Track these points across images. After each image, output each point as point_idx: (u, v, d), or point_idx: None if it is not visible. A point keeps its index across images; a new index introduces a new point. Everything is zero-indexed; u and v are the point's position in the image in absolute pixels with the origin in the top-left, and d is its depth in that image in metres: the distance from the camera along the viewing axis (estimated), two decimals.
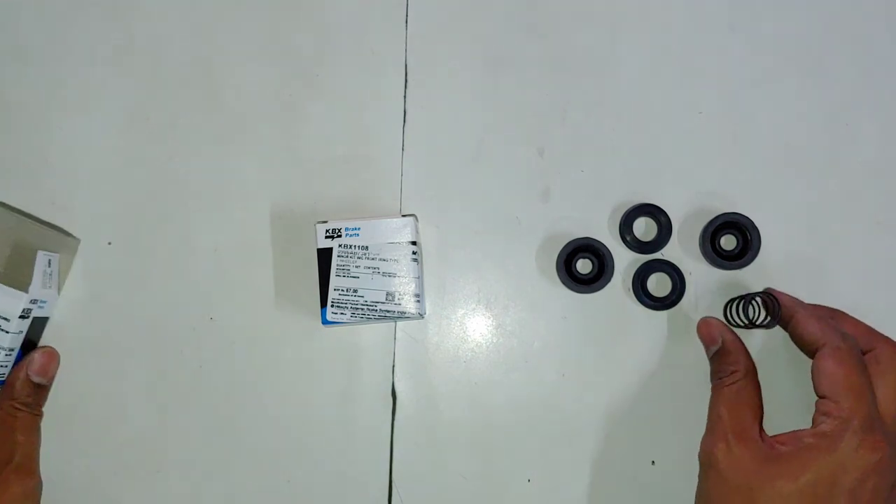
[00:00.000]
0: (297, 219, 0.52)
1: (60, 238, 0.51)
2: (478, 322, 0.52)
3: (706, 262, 0.51)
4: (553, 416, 0.51)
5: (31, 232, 0.49)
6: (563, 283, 0.51)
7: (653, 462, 0.51)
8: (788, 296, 0.48)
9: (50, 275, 0.50)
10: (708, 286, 0.51)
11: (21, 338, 0.48)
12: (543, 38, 0.53)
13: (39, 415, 0.49)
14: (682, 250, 0.52)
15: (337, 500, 0.51)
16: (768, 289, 0.49)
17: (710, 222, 0.50)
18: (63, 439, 0.51)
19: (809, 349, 0.45)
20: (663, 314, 0.51)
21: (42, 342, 0.51)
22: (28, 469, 0.47)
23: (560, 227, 0.52)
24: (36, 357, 0.49)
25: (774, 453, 0.41)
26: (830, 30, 0.53)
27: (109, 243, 0.52)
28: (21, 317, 0.47)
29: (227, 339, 0.51)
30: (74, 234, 0.52)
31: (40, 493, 0.48)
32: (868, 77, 0.53)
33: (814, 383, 0.43)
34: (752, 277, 0.51)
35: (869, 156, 0.52)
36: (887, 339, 0.45)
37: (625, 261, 0.52)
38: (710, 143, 0.52)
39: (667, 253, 0.52)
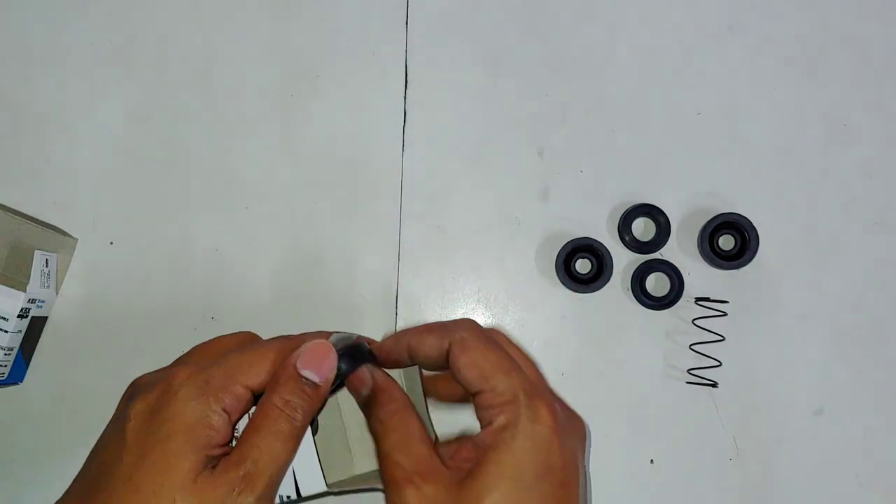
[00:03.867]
0: (297, 219, 0.52)
1: (58, 238, 0.51)
2: (478, 322, 0.52)
3: (705, 262, 0.52)
4: None
5: (29, 232, 0.49)
6: (563, 282, 0.51)
7: (651, 461, 0.51)
8: (390, 339, 0.41)
9: (48, 274, 0.50)
10: (706, 286, 0.52)
11: (20, 337, 0.48)
12: (543, 38, 0.54)
13: (298, 423, 0.37)
14: (681, 250, 0.52)
15: (337, 498, 0.51)
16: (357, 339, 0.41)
17: (709, 222, 0.51)
18: (63, 439, 0.51)
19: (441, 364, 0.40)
20: (662, 314, 0.51)
21: (42, 342, 0.51)
22: (249, 481, 0.35)
23: (559, 227, 0.52)
24: (311, 346, 0.38)
25: (464, 475, 0.37)
26: (829, 31, 0.54)
27: (111, 243, 0.52)
28: (20, 316, 0.47)
29: None
30: (75, 234, 0.52)
31: None
32: (866, 77, 0.53)
33: (463, 384, 0.38)
34: (751, 277, 0.51)
35: (867, 156, 0.53)
36: (458, 322, 0.41)
37: (624, 261, 0.52)
38: (708, 143, 0.53)
39: (665, 253, 0.52)
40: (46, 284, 0.49)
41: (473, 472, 0.36)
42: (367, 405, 0.40)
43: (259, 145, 0.53)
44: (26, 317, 0.48)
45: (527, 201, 0.52)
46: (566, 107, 0.53)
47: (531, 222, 0.52)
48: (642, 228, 0.52)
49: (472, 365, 0.38)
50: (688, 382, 0.51)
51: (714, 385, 0.50)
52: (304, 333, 0.40)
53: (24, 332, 0.48)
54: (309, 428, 0.38)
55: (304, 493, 0.40)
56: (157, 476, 0.34)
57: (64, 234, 0.52)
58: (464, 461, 0.37)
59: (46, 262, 0.49)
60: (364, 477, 0.42)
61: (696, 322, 0.50)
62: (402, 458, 0.38)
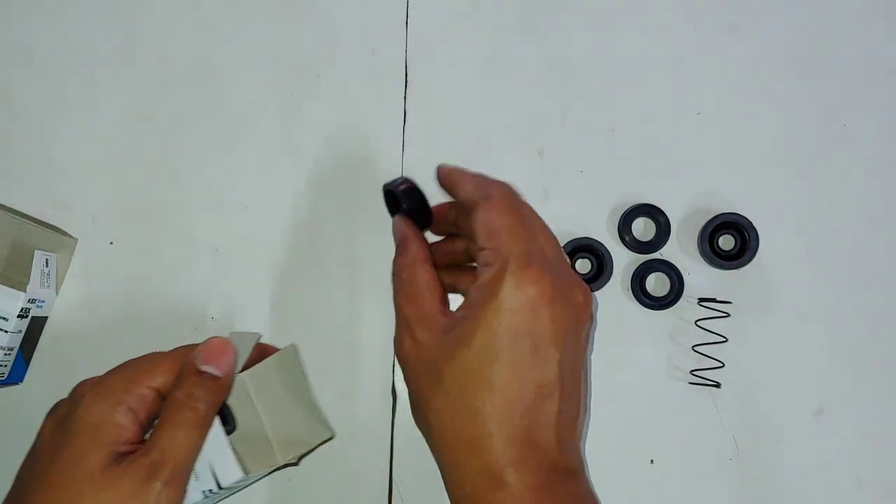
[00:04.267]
0: (297, 219, 0.52)
1: (58, 238, 0.51)
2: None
3: (705, 262, 0.52)
4: None
5: (29, 232, 0.49)
6: None
7: (651, 461, 0.51)
8: (449, 170, 0.44)
9: (48, 274, 0.50)
10: (707, 286, 0.52)
11: (20, 337, 0.48)
12: (543, 38, 0.54)
13: (204, 415, 0.40)
14: (681, 250, 0.52)
15: (337, 498, 0.51)
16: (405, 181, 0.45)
17: (709, 222, 0.51)
18: None
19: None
20: (662, 314, 0.51)
21: (42, 342, 0.51)
22: (157, 470, 0.38)
23: (559, 227, 0.52)
24: (210, 342, 0.41)
25: (452, 323, 0.39)
26: (829, 30, 0.54)
27: (111, 243, 0.52)
28: (20, 316, 0.47)
29: None
30: (75, 234, 0.52)
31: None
32: (865, 77, 0.53)
33: (474, 239, 0.40)
34: (751, 277, 0.51)
35: (866, 156, 0.53)
36: (494, 182, 0.43)
37: (624, 261, 0.52)
38: (708, 143, 0.53)
39: (665, 253, 0.52)
40: (46, 284, 0.49)
41: (456, 324, 0.38)
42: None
43: (259, 145, 0.53)
44: (26, 317, 0.48)
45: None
46: (566, 107, 0.53)
47: None
48: (642, 228, 0.52)
49: (486, 221, 0.39)
50: (690, 383, 0.51)
51: (717, 385, 0.50)
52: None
53: (24, 332, 0.48)
54: (218, 421, 0.41)
55: (223, 485, 0.41)
56: (67, 472, 0.37)
57: (64, 234, 0.52)
58: (460, 310, 0.39)
59: (46, 262, 0.49)
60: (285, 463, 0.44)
61: (698, 323, 0.50)
62: (404, 306, 0.41)
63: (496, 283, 0.37)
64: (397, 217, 0.45)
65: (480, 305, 0.38)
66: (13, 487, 0.40)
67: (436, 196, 0.45)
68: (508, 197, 0.41)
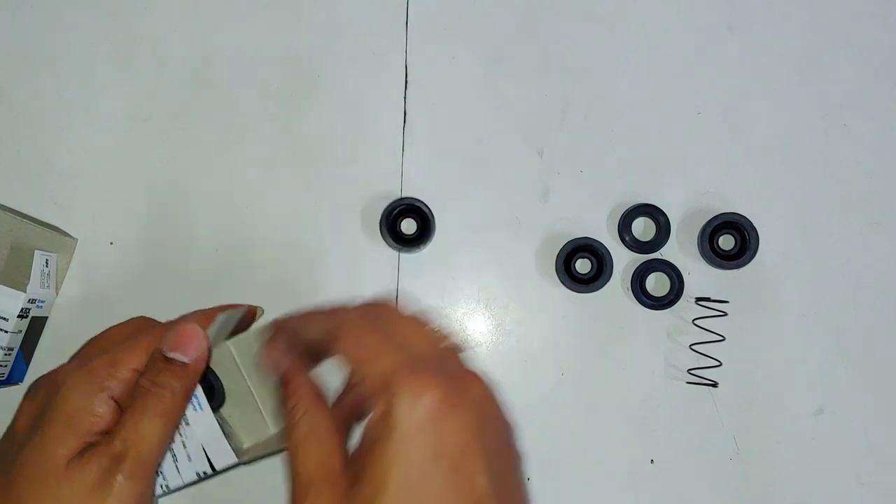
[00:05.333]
0: (297, 219, 0.52)
1: (58, 238, 0.51)
2: (478, 321, 0.52)
3: (705, 262, 0.52)
4: (552, 415, 0.51)
5: (29, 232, 0.49)
6: (563, 282, 0.51)
7: (651, 461, 0.51)
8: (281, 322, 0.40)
9: (48, 274, 0.50)
10: (707, 286, 0.52)
11: (20, 337, 0.48)
12: (543, 38, 0.54)
13: (167, 399, 0.38)
14: (681, 250, 0.52)
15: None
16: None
17: (709, 222, 0.51)
18: None
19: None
20: (662, 313, 0.51)
21: (42, 342, 0.51)
22: (120, 461, 0.36)
23: (559, 227, 0.52)
24: (171, 330, 0.40)
25: (355, 476, 0.32)
26: (828, 30, 0.54)
27: (111, 243, 0.52)
28: (20, 316, 0.47)
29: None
30: (75, 234, 0.52)
31: (141, 495, 0.37)
32: (865, 77, 0.53)
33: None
34: (751, 277, 0.51)
35: (866, 156, 0.53)
36: (348, 306, 0.38)
37: (624, 260, 0.52)
38: (708, 143, 0.53)
39: (665, 253, 0.52)
40: (46, 284, 0.49)
41: (360, 475, 0.32)
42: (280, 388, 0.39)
43: (259, 145, 0.53)
44: (26, 317, 0.48)
45: (527, 201, 0.52)
46: (566, 107, 0.53)
47: (531, 222, 0.52)
48: (642, 228, 0.52)
49: (349, 352, 0.35)
50: (688, 382, 0.51)
51: (714, 385, 0.50)
52: (195, 311, 0.43)
53: (24, 332, 0.48)
54: (207, 404, 0.40)
55: (217, 468, 0.41)
56: (35, 462, 0.36)
57: (64, 234, 0.52)
58: (358, 459, 0.33)
59: (46, 262, 0.49)
60: (280, 435, 0.42)
61: (696, 322, 0.50)
62: (305, 459, 0.35)
63: (386, 411, 0.32)
64: (274, 351, 0.40)
65: (380, 443, 0.32)
66: None
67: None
68: (358, 317, 0.36)
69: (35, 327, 0.50)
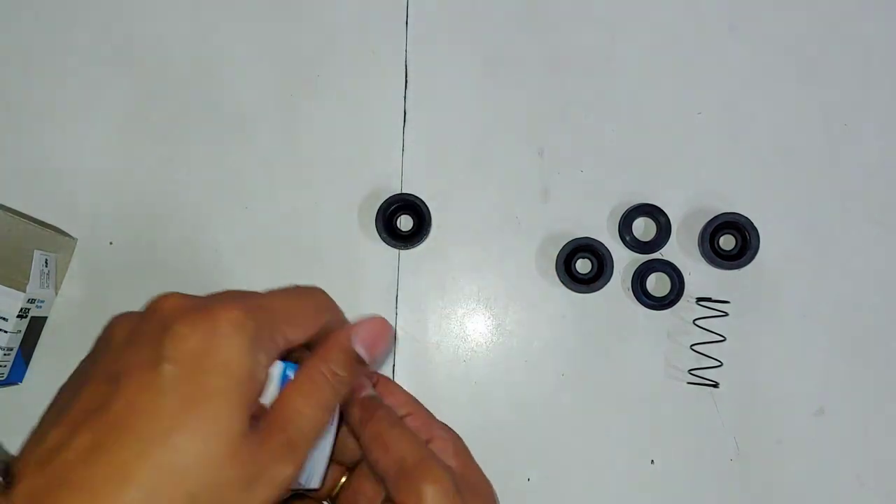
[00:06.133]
0: (297, 219, 0.52)
1: (57, 238, 0.51)
2: (478, 322, 0.52)
3: (705, 262, 0.52)
4: (552, 415, 0.51)
5: (28, 232, 0.49)
6: (563, 282, 0.51)
7: (652, 461, 0.51)
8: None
9: (47, 274, 0.50)
10: (707, 286, 0.52)
11: (19, 337, 0.48)
12: (543, 38, 0.54)
13: (340, 396, 0.35)
14: (682, 250, 0.52)
15: None
16: None
17: (709, 222, 0.51)
18: None
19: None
20: (662, 314, 0.51)
21: (42, 342, 0.51)
22: (290, 450, 0.32)
23: (559, 227, 0.52)
24: (365, 323, 0.37)
25: None
26: (829, 30, 0.54)
27: (111, 243, 0.52)
28: (19, 316, 0.47)
29: None
30: (75, 234, 0.52)
31: (287, 492, 0.34)
32: (866, 77, 0.53)
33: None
34: (751, 277, 0.51)
35: (867, 156, 0.53)
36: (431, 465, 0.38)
37: (624, 260, 0.52)
38: (709, 143, 0.53)
39: (666, 253, 0.52)
40: (46, 284, 0.49)
41: None
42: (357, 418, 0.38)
43: (259, 145, 0.53)
44: (26, 317, 0.48)
45: (527, 201, 0.52)
46: (566, 107, 0.53)
47: (531, 222, 0.52)
48: (642, 228, 0.52)
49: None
50: (689, 383, 0.51)
51: (715, 385, 0.50)
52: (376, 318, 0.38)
53: (23, 332, 0.48)
54: (336, 425, 0.37)
55: (304, 486, 0.37)
56: (202, 437, 0.30)
57: (64, 234, 0.52)
58: None
59: (46, 262, 0.49)
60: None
61: (696, 322, 0.50)
62: (407, 455, 0.36)
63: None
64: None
65: None
66: (100, 412, 0.30)
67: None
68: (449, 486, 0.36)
69: (34, 327, 0.50)
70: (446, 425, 0.43)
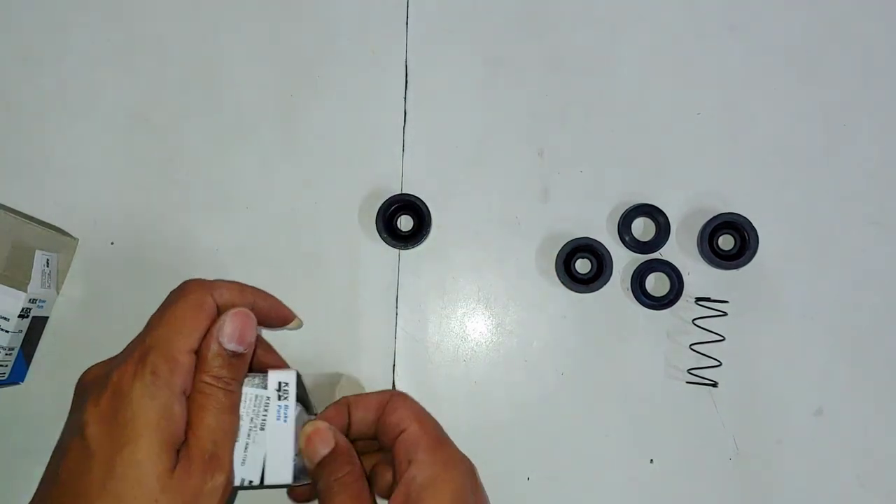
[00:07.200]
0: (297, 219, 0.52)
1: (59, 238, 0.51)
2: (478, 321, 0.52)
3: (704, 262, 0.52)
4: (552, 415, 0.51)
5: (30, 232, 0.49)
6: (563, 282, 0.51)
7: (651, 460, 0.51)
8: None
9: (48, 274, 0.50)
10: (706, 286, 0.52)
11: (21, 337, 0.48)
12: (543, 38, 0.54)
13: (235, 392, 0.39)
14: (681, 250, 0.52)
15: None
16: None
17: (709, 222, 0.51)
18: None
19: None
20: (662, 314, 0.51)
21: (43, 342, 0.51)
22: (215, 462, 0.37)
23: (559, 227, 0.52)
24: (227, 320, 0.39)
25: None
26: (829, 30, 0.54)
27: (111, 243, 0.52)
28: (20, 316, 0.47)
29: None
30: (75, 234, 0.52)
31: (230, 492, 0.38)
32: (865, 77, 0.53)
33: (388, 429, 0.41)
34: (751, 277, 0.51)
35: (866, 156, 0.53)
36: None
37: (623, 260, 0.52)
38: (708, 143, 0.53)
39: (665, 253, 0.52)
40: (47, 284, 0.49)
41: None
42: (322, 467, 0.40)
43: (259, 145, 0.53)
44: (27, 317, 0.48)
45: (527, 201, 0.52)
46: (566, 107, 0.53)
47: (531, 222, 0.52)
48: (642, 228, 0.52)
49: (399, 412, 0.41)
50: (688, 382, 0.51)
51: (714, 385, 0.50)
52: (231, 284, 0.42)
53: (24, 332, 0.48)
54: (294, 418, 0.40)
55: (267, 482, 0.40)
56: (132, 481, 0.35)
57: (64, 234, 0.52)
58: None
59: (47, 262, 0.49)
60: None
61: (696, 322, 0.50)
62: None
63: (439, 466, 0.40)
64: (321, 425, 0.42)
65: (431, 490, 0.39)
66: (51, 488, 0.36)
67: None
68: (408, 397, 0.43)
69: (36, 327, 0.50)
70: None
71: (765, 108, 0.53)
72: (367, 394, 0.44)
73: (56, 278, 0.51)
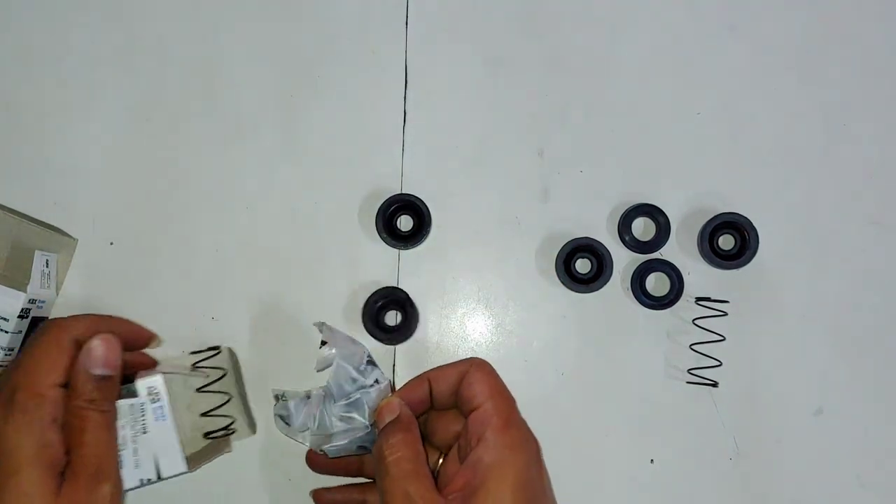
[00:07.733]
0: (297, 219, 0.52)
1: (58, 238, 0.51)
2: (478, 321, 0.52)
3: (704, 262, 0.52)
4: (552, 415, 0.51)
5: (29, 232, 0.49)
6: (563, 282, 0.51)
7: (651, 460, 0.51)
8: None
9: (48, 275, 0.50)
10: (707, 286, 0.52)
11: (20, 337, 0.48)
12: (543, 38, 0.54)
13: (110, 410, 0.43)
14: (681, 250, 0.52)
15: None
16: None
17: (709, 222, 0.51)
18: None
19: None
20: (662, 314, 0.51)
21: None
22: (100, 474, 0.41)
23: (559, 227, 0.52)
24: (94, 346, 0.42)
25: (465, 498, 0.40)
26: (829, 30, 0.54)
27: (111, 243, 0.52)
28: (20, 316, 0.47)
29: (229, 338, 0.51)
30: (75, 234, 0.52)
31: (120, 499, 0.42)
32: (865, 77, 0.53)
33: (467, 398, 0.43)
34: (751, 277, 0.51)
35: (866, 156, 0.53)
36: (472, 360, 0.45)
37: (624, 260, 0.52)
38: (708, 143, 0.53)
39: (665, 253, 0.52)
40: (47, 285, 0.49)
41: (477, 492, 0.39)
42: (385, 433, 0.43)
43: (259, 145, 0.53)
44: (27, 317, 0.48)
45: (527, 201, 0.53)
46: (566, 107, 0.53)
47: (531, 222, 0.52)
48: (642, 228, 0.52)
49: (480, 382, 0.43)
50: (688, 382, 0.51)
51: (714, 385, 0.50)
52: (92, 317, 0.45)
53: (24, 332, 0.48)
54: (171, 415, 0.44)
55: (164, 475, 0.43)
56: None
57: (64, 234, 0.52)
58: (464, 485, 0.40)
59: (47, 263, 0.49)
60: (215, 445, 0.47)
61: (696, 322, 0.50)
62: (413, 490, 0.40)
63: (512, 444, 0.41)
64: (393, 397, 0.44)
65: (499, 467, 0.40)
66: None
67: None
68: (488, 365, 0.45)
69: (35, 327, 0.50)
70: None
71: (765, 108, 0.53)
72: (447, 366, 0.45)
73: (55, 279, 0.51)
